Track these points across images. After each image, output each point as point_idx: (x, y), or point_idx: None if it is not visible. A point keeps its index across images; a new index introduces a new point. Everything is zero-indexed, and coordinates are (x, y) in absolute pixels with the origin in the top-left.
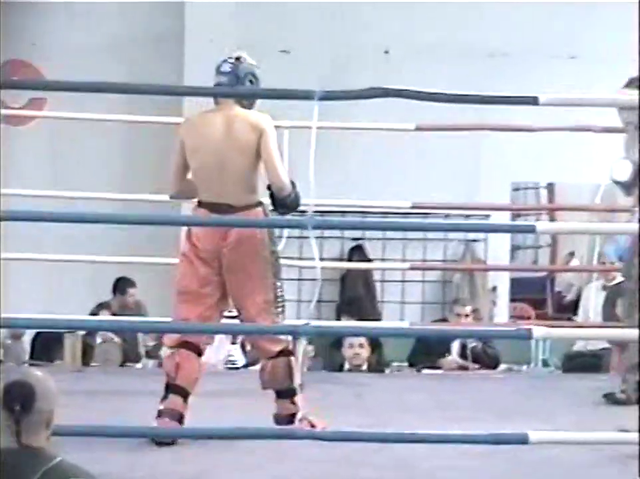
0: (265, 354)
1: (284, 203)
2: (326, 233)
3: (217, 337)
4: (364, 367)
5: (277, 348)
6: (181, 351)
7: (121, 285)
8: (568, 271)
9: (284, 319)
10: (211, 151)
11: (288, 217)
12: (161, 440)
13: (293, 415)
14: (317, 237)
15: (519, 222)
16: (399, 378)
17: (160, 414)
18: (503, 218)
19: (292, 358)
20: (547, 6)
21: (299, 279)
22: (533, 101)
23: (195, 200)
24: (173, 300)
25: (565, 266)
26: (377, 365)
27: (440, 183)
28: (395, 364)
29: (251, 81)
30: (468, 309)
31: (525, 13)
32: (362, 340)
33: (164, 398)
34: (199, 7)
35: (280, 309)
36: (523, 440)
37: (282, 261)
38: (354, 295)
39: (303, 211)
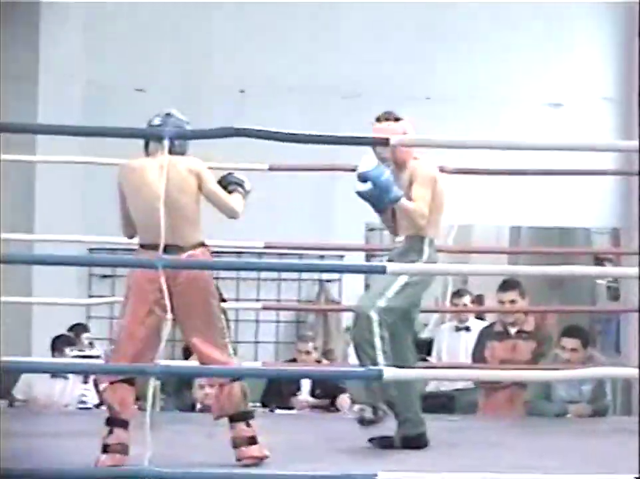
0: (217, 382)
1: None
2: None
3: (70, 376)
4: None
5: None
6: (123, 385)
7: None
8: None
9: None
10: (153, 193)
11: (138, 257)
12: None
13: (251, 438)
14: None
15: (372, 263)
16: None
17: (107, 449)
18: (359, 259)
19: (244, 383)
20: (402, 48)
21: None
22: (385, 142)
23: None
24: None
25: None
26: None
27: (294, 224)
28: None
29: None
30: (310, 345)
31: (380, 54)
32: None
33: (109, 433)
34: (52, 45)
35: (227, 340)
36: None
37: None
38: None
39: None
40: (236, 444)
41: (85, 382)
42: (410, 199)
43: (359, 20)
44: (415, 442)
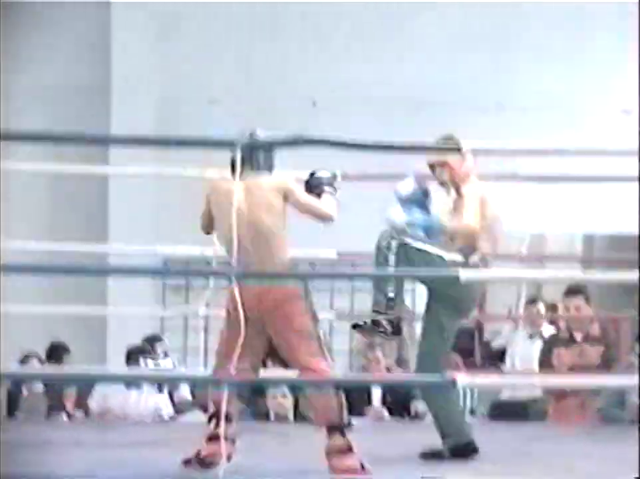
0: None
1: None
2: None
3: (145, 387)
4: (290, 416)
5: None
6: None
7: (55, 352)
8: (495, 320)
9: (331, 361)
10: (239, 216)
11: (212, 268)
12: None
13: (344, 449)
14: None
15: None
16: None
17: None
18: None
19: (340, 393)
20: (475, 56)
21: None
22: (458, 150)
23: None
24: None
25: (490, 314)
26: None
27: (366, 233)
28: None
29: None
30: (379, 353)
31: (453, 63)
32: (284, 390)
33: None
34: (125, 58)
35: (326, 354)
36: None
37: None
38: None
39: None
40: (329, 454)
41: (160, 392)
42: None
43: (432, 28)
44: (462, 452)
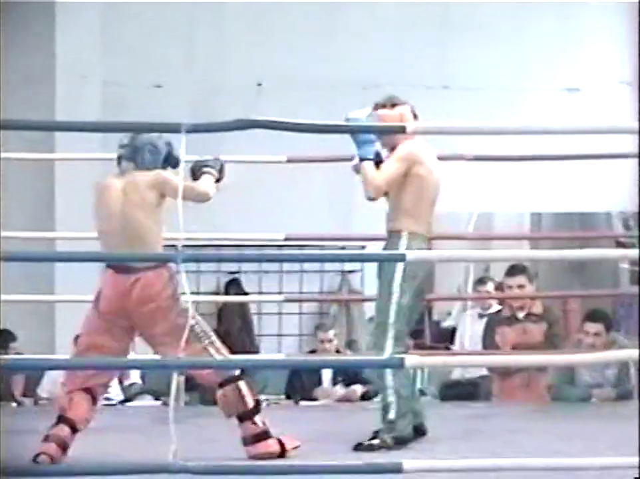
0: (212, 385)
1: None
2: (202, 267)
3: None
4: None
5: (218, 378)
6: (79, 393)
7: (1, 339)
8: (444, 299)
9: (217, 346)
10: (109, 213)
11: (158, 252)
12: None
13: (257, 435)
14: (193, 271)
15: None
16: (277, 410)
17: (47, 438)
18: (379, 249)
19: (239, 382)
20: (419, 38)
21: None
22: (402, 129)
23: None
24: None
25: (439, 295)
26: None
27: (314, 215)
28: (273, 397)
29: (150, 151)
30: (331, 333)
31: (397, 45)
32: None
33: (54, 425)
34: (69, 44)
35: (206, 341)
36: (397, 469)
37: None
38: (231, 329)
39: (173, 246)
40: (245, 442)
41: None
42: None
43: (376, 11)
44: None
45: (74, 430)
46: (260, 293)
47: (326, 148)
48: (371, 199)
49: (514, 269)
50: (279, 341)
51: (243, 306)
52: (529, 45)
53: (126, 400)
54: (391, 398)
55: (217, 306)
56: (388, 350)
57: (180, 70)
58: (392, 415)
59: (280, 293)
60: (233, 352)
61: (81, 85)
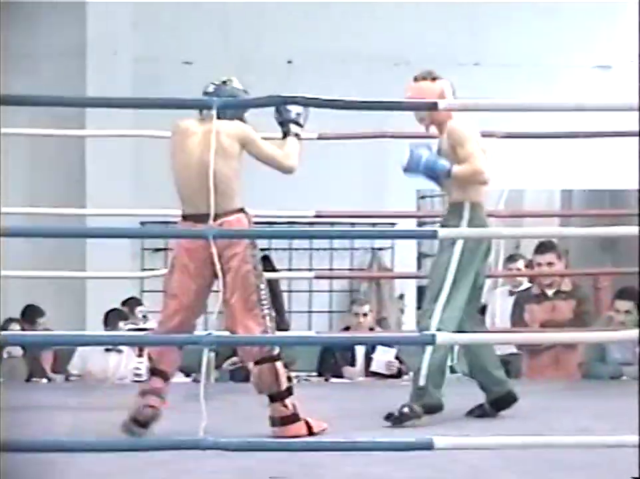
0: (248, 360)
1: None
2: None
3: (125, 350)
4: None
5: (257, 355)
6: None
7: (29, 314)
8: None
9: (272, 321)
10: (189, 160)
11: (191, 228)
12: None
13: (286, 417)
14: None
15: (423, 229)
16: (307, 387)
17: (144, 393)
18: (410, 226)
19: (277, 363)
20: (451, 14)
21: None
22: (434, 106)
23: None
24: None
25: None
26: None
27: (345, 192)
28: (303, 374)
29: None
30: (366, 307)
31: (429, 21)
32: None
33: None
34: (99, 20)
35: (265, 311)
36: (428, 446)
37: None
38: None
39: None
40: (273, 423)
41: (140, 355)
42: (458, 162)
43: None
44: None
45: (167, 379)
46: (290, 269)
47: (358, 125)
48: (487, 183)
49: (543, 247)
50: (310, 318)
51: (273, 283)
52: (561, 22)
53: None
54: (422, 364)
55: None
56: (434, 323)
57: (211, 47)
58: (422, 382)
59: (310, 269)
60: None
61: (112, 61)
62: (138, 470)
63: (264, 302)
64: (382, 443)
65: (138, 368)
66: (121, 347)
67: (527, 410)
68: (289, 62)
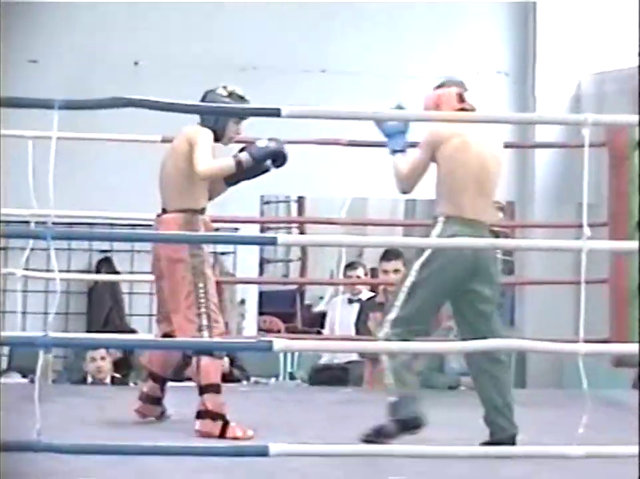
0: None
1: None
2: (74, 245)
3: None
4: (108, 380)
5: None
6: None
7: None
8: (314, 284)
9: (209, 320)
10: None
11: (27, 228)
12: None
13: (206, 413)
14: (64, 249)
15: (265, 234)
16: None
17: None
18: (253, 231)
19: (204, 357)
20: (298, 21)
21: (45, 291)
22: (276, 113)
23: None
24: None
25: (311, 279)
26: (122, 378)
27: None
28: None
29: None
30: None
31: (275, 28)
32: (103, 352)
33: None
34: None
35: (202, 310)
36: (263, 453)
37: (28, 273)
38: (102, 307)
39: (43, 222)
40: (196, 415)
41: None
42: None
43: None
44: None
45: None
46: (132, 272)
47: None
48: (404, 192)
49: (390, 254)
50: (150, 321)
51: (114, 285)
52: (408, 32)
53: None
54: (390, 380)
55: (88, 285)
56: (384, 332)
57: (57, 46)
58: (392, 398)
59: (152, 272)
60: (103, 331)
61: None
62: None
63: (201, 301)
64: (217, 448)
65: None
66: None
67: (366, 418)
68: (136, 63)
